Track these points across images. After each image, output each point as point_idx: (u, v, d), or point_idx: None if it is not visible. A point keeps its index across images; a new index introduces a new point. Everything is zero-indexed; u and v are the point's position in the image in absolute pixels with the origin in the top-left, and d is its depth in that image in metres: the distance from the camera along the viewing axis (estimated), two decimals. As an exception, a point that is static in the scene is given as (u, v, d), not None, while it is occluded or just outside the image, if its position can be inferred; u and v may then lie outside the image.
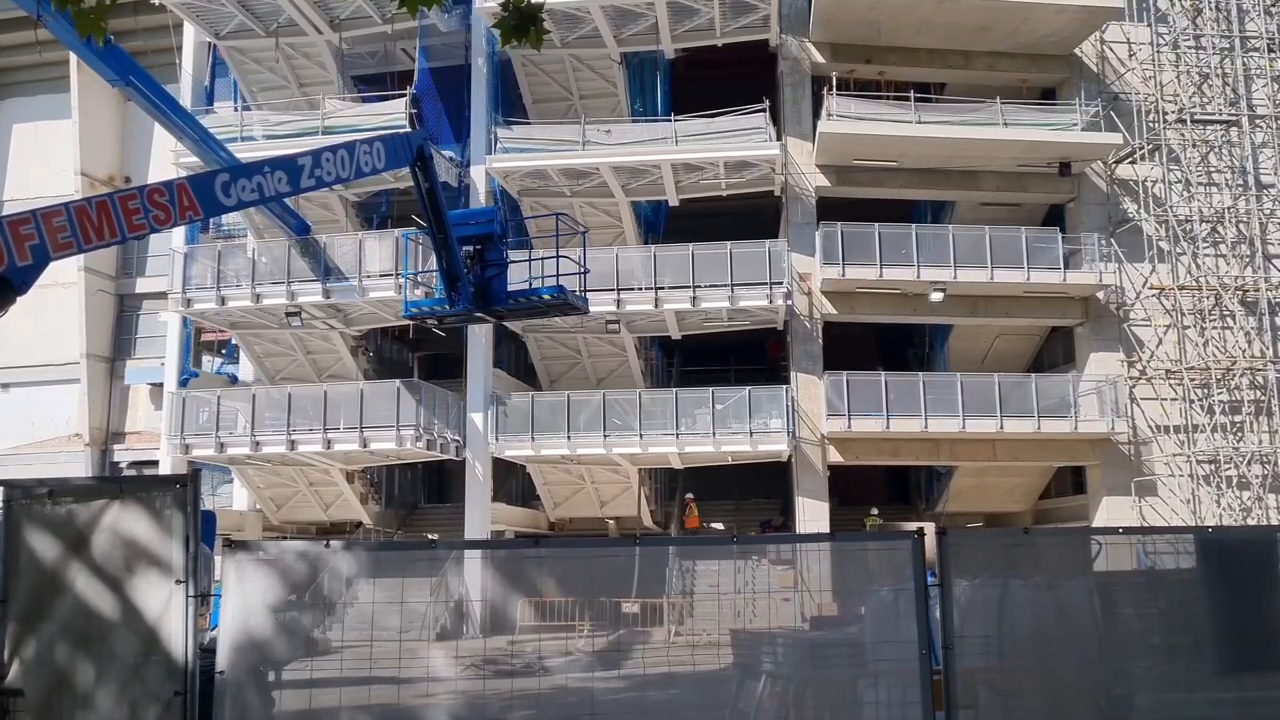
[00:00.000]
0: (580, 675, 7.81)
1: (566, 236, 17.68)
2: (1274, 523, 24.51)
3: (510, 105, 26.87)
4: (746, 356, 31.10)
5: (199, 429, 24.53)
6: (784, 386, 25.15)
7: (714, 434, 24.44)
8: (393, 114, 24.20)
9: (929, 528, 6.32)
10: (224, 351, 30.06)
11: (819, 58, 26.32)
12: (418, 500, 31.51)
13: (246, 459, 25.17)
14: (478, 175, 25.66)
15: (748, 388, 24.99)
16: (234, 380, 28.78)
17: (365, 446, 23.89)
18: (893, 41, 26.03)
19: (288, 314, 23.97)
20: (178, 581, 5.95)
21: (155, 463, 26.77)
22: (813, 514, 24.85)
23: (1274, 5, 27.07)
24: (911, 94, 25.47)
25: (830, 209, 26.08)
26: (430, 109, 25.66)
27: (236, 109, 27.63)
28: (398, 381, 24.61)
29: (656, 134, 25.22)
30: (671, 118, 25.31)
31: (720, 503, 30.04)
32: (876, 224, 25.17)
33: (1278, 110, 26.77)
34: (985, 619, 6.36)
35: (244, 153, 19.56)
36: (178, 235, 25.88)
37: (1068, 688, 6.55)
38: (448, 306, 14.85)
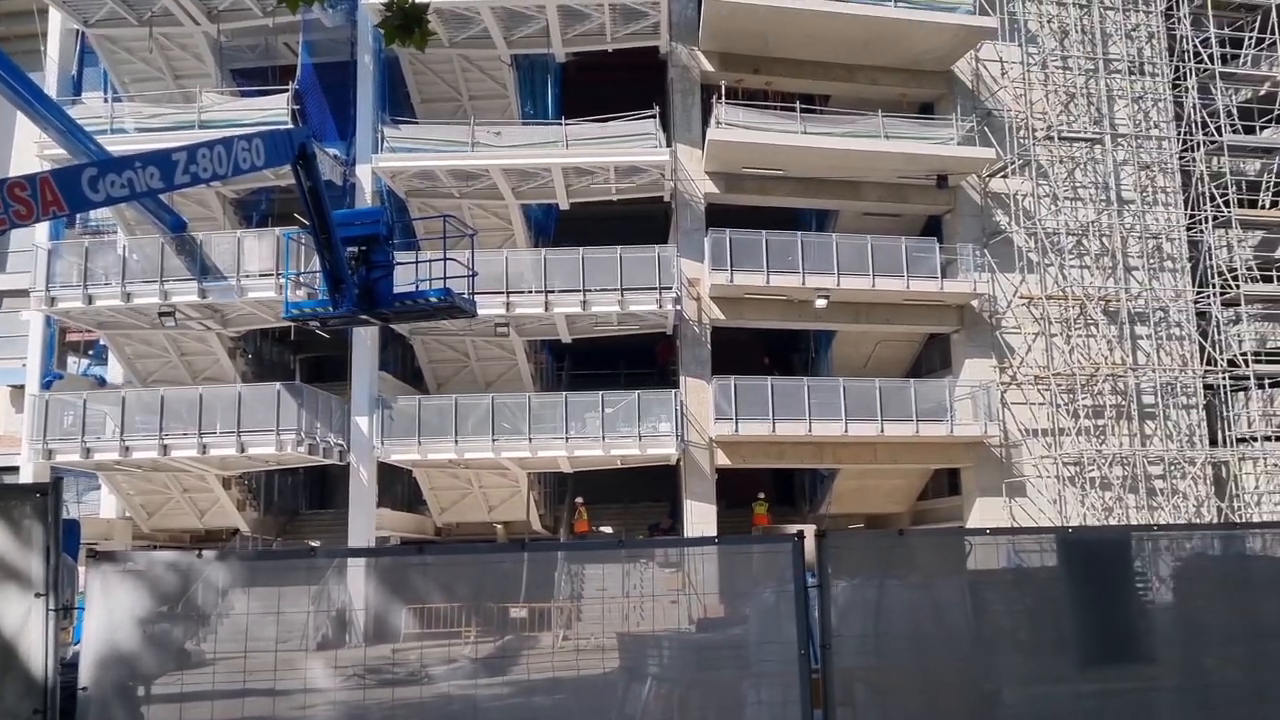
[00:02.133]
0: (464, 682, 7.74)
1: (456, 238, 17.45)
2: (1133, 521, 25.82)
3: (398, 104, 26.44)
4: (636, 360, 31.22)
5: (63, 433, 23.40)
6: (673, 390, 25.37)
7: (603, 438, 24.48)
8: (274, 110, 23.54)
9: (809, 530, 6.45)
10: (91, 353, 28.74)
11: (708, 66, 26.68)
12: (299, 506, 30.66)
13: (115, 465, 24.12)
14: (364, 174, 25.17)
15: (637, 392, 25.11)
16: (102, 383, 27.54)
17: (243, 451, 23.15)
18: (780, 53, 26.54)
19: (161, 314, 23.08)
20: (37, 595, 5.66)
21: (15, 469, 25.38)
22: (700, 516, 25.14)
23: (1135, 30, 28.56)
24: (797, 105, 26.03)
25: (719, 215, 26.45)
26: (314, 105, 25.06)
27: (106, 100, 26.48)
28: (278, 384, 23.92)
29: (547, 137, 25.15)
30: (562, 121, 25.29)
31: (610, 506, 30.07)
32: (764, 231, 25.63)
33: (1138, 130, 28.24)
34: (863, 619, 6.52)
35: (115, 146, 18.74)
36: (41, 231, 24.64)
37: (941, 684, 6.76)
38: (331, 308, 14.49)
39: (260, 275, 22.69)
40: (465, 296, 15.84)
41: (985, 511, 26.23)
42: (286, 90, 23.99)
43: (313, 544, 27.96)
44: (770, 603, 6.83)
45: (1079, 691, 6.40)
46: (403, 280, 15.94)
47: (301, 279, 21.28)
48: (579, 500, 26.94)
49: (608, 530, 29.59)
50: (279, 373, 28.37)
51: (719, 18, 25.28)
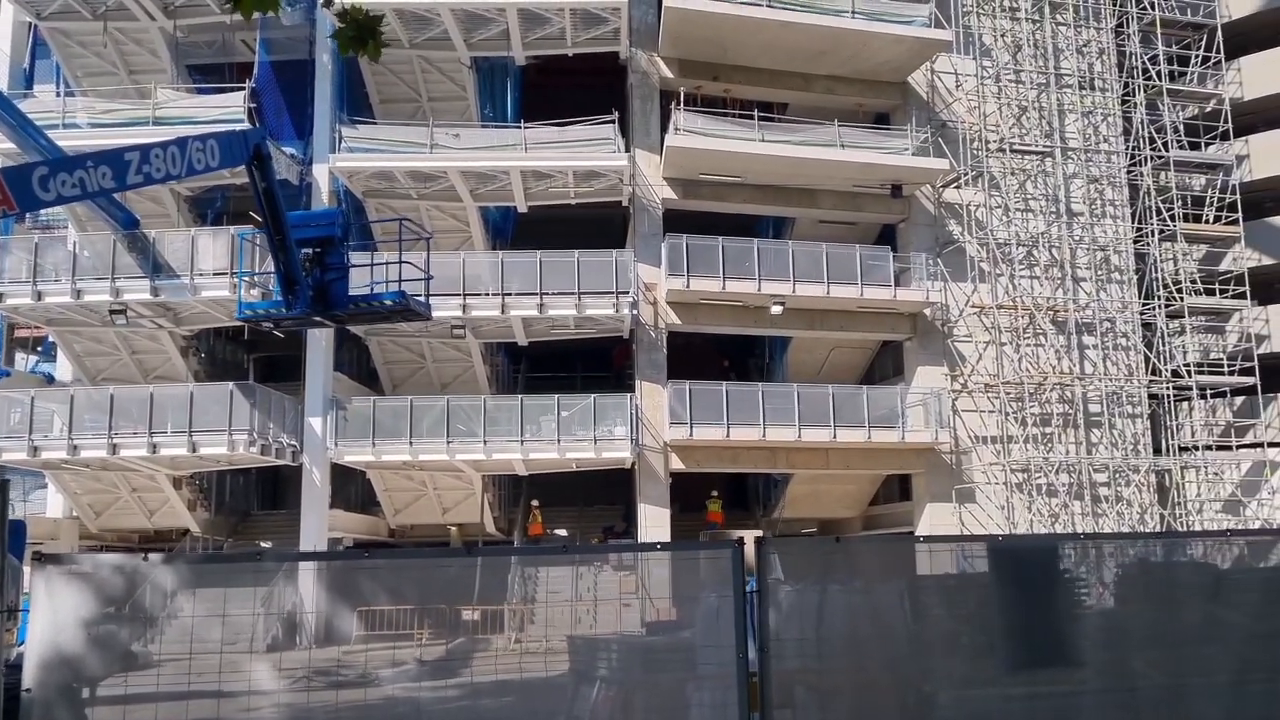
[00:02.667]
0: (412, 685, 7.78)
1: (412, 241, 17.48)
2: (1079, 528, 26.34)
3: (356, 104, 26.34)
4: (593, 364, 31.35)
5: (10, 431, 23.07)
6: (629, 394, 25.50)
7: (559, 441, 24.55)
8: (230, 107, 23.36)
9: (750, 535, 6.61)
10: (40, 349, 28.33)
11: (668, 72, 26.86)
12: (251, 507, 30.42)
13: (63, 463, 23.78)
14: (321, 174, 25.03)
15: (593, 395, 25.22)
16: (50, 380, 27.17)
17: (194, 451, 22.94)
18: (738, 61, 26.80)
19: (112, 311, 22.81)
20: (-20, 597, 5.66)
21: (-40, 467, 24.96)
22: (654, 520, 25.29)
23: (1085, 46, 29.16)
24: (755, 112, 26.31)
25: (676, 221, 26.63)
26: (271, 104, 24.91)
27: (59, 94, 26.14)
28: (231, 384, 23.73)
29: (506, 140, 25.20)
30: (521, 124, 25.35)
31: (564, 509, 30.15)
32: (720, 237, 25.83)
33: (1088, 144, 28.84)
34: (802, 622, 6.69)
35: (67, 141, 18.58)
36: (-11, 225, 24.27)
37: (877, 686, 6.95)
38: (285, 310, 14.46)
39: (214, 274, 22.50)
40: (420, 299, 15.86)
41: (935, 517, 26.64)
42: (243, 88, 23.82)
43: (264, 545, 27.81)
44: (714, 607, 6.98)
45: (1008, 694, 6.61)
46: (359, 282, 15.96)
47: (256, 279, 21.17)
48: (534, 503, 27.00)
49: (562, 533, 29.68)
50: (232, 372, 28.16)
51: (678, 24, 25.47)
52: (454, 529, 28.72)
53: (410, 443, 24.22)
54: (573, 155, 24.99)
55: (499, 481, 29.40)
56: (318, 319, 14.91)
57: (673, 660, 7.56)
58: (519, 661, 7.97)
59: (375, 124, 25.86)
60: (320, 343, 24.75)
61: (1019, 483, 26.69)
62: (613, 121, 24.98)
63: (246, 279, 20.95)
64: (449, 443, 24.25)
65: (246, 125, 21.56)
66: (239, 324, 22.31)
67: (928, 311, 27.37)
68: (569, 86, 27.87)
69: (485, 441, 24.35)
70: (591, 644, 8.04)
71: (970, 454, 27.21)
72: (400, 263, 15.65)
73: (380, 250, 21.91)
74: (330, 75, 25.47)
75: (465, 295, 24.22)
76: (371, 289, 15.70)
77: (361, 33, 5.89)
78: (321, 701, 7.20)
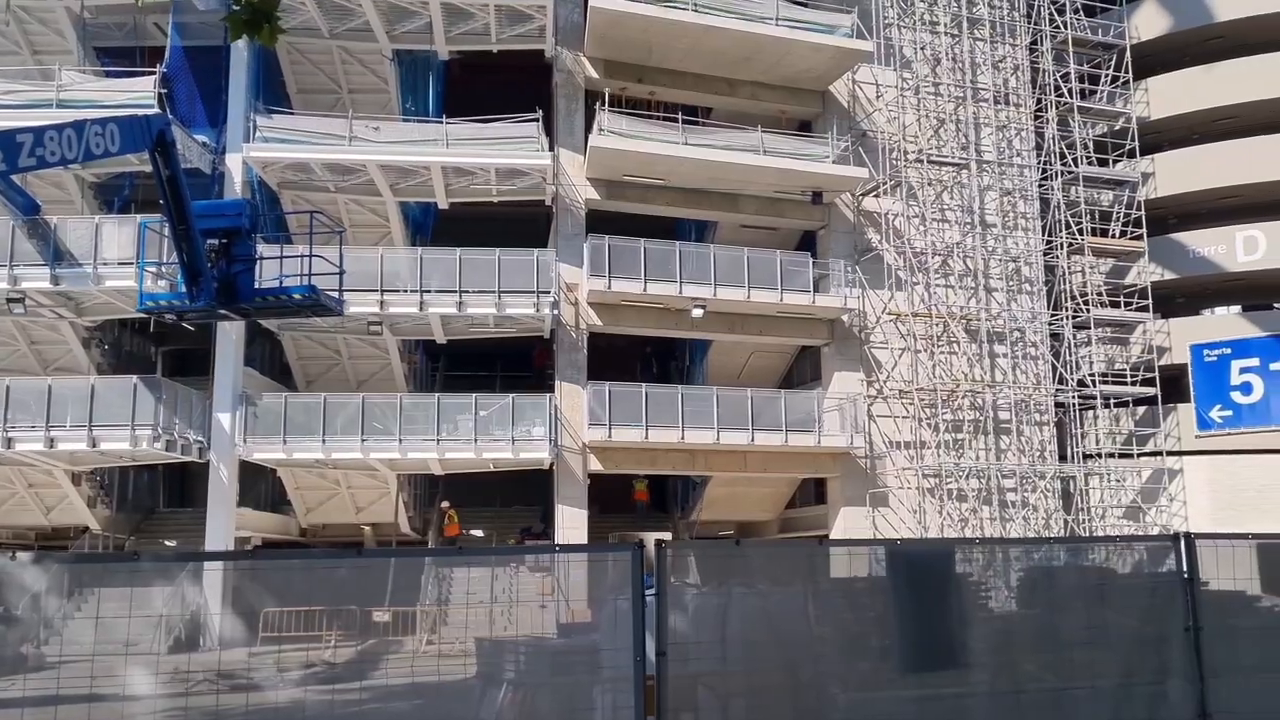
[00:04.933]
0: (322, 687, 7.65)
1: (325, 234, 17.11)
2: (987, 532, 26.93)
3: (273, 93, 25.71)
4: (513, 364, 31.14)
5: (-104, 423, 22.02)
6: (548, 395, 25.33)
7: (476, 441, 24.27)
8: (140, 92, 22.57)
9: (650, 538, 6.58)
10: (-69, 338, 27.07)
11: (593, 73, 26.79)
12: (155, 504, 29.50)
13: (-47, 458, 22.81)
14: (234, 164, 24.38)
15: (512, 395, 24.99)
16: (-58, 370, 25.97)
17: (95, 446, 22.14)
18: (663, 63, 26.86)
19: (9, 300, 21.90)
20: None
21: None
22: (572, 522, 25.18)
23: (1001, 62, 29.86)
24: (680, 116, 26.38)
25: (600, 222, 26.57)
26: (183, 90, 24.17)
27: (-44, 73, 25.02)
28: (134, 377, 22.97)
29: (427, 135, 24.84)
30: (444, 120, 25.01)
31: (481, 510, 29.88)
32: (643, 239, 25.85)
33: (1002, 157, 29.52)
34: (700, 625, 6.69)
35: (-38, 121, 17.77)
36: (-122, 207, 23.12)
37: (776, 688, 6.98)
38: (188, 302, 14.03)
39: (119, 263, 21.75)
40: (333, 294, 15.55)
41: (849, 521, 27.01)
42: (154, 73, 23.08)
43: (168, 544, 27.03)
44: (619, 609, 6.95)
45: (900, 696, 6.69)
46: (271, 275, 15.59)
47: (162, 270, 20.51)
48: (445, 504, 26.69)
49: (479, 534, 29.43)
50: (138, 365, 27.26)
51: (604, 25, 25.43)
52: (367, 529, 28.24)
53: (323, 441, 23.71)
54: (495, 153, 24.74)
55: (415, 481, 29.01)
56: (223, 312, 14.51)
57: (579, 663, 7.53)
58: (430, 664, 7.87)
59: (292, 114, 25.26)
60: (230, 337, 24.12)
61: (931, 487, 27.19)
62: (537, 120, 24.80)
63: (150, 269, 20.26)
64: (363, 441, 23.80)
65: (155, 110, 20.88)
66: (144, 316, 21.66)
67: (845, 318, 27.73)
68: (493, 83, 27.61)
69: (401, 440, 23.96)
70: (500, 647, 7.98)
71: (884, 459, 27.64)
72: (311, 256, 15.31)
73: (295, 243, 21.45)
74: (246, 63, 24.80)
75: (383, 291, 23.81)
76: (281, 282, 15.32)
77: (256, 16, 5.69)
78: (227, 705, 7.02)
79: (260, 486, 27.63)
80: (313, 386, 26.67)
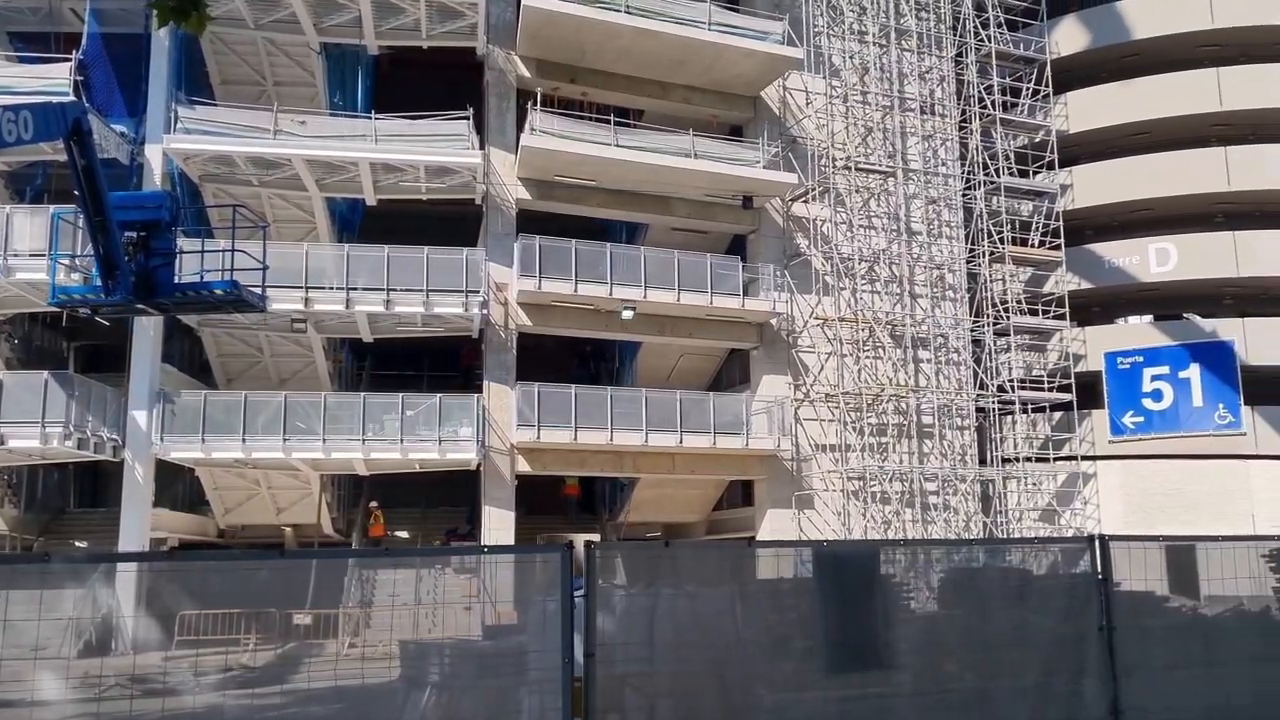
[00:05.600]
0: (239, 692, 7.48)
1: (248, 229, 16.74)
2: (909, 534, 27.41)
3: (195, 83, 25.09)
4: (441, 363, 30.85)
5: None
6: (476, 395, 25.13)
7: (402, 441, 23.98)
8: (55, 79, 21.83)
9: (579, 539, 6.56)
10: None
11: (525, 72, 26.65)
12: (65, 504, 28.60)
13: None
14: (154, 155, 23.72)
15: (439, 395, 24.74)
16: None
17: (3, 444, 21.36)
18: (596, 65, 26.83)
19: (-88, 292, 21.07)
20: None
21: None
22: (499, 523, 25.00)
23: (928, 73, 30.44)
24: (612, 117, 26.38)
25: (530, 222, 26.45)
26: (101, 78, 23.43)
27: None
28: (45, 373, 22.21)
29: (355, 130, 24.48)
30: (372, 115, 24.66)
31: (407, 511, 29.55)
32: (574, 240, 25.79)
33: (927, 166, 30.10)
34: (629, 626, 6.68)
35: None
36: None
37: (704, 689, 7.01)
38: (103, 296, 13.60)
39: (30, 255, 21.05)
40: (256, 290, 15.21)
41: (775, 522, 27.26)
42: (70, 59, 22.34)
43: (79, 544, 26.19)
44: (546, 610, 6.91)
45: (825, 696, 6.76)
46: (191, 270, 15.20)
47: (76, 262, 19.84)
48: (373, 504, 26.31)
49: (404, 535, 29.08)
50: (49, 360, 26.42)
51: (536, 24, 25.32)
52: (289, 530, 27.73)
53: (244, 440, 23.20)
54: (425, 150, 24.47)
55: (338, 481, 28.54)
56: (140, 306, 14.09)
57: (504, 665, 7.47)
58: (352, 667, 7.76)
59: (215, 106, 24.70)
60: (148, 332, 23.46)
61: (855, 490, 27.58)
62: (467, 118, 24.59)
63: (63, 262, 19.56)
64: (286, 440, 23.35)
65: (71, 98, 20.21)
66: (57, 310, 20.96)
67: (774, 321, 28.00)
68: (424, 80, 27.31)
69: (325, 440, 23.56)
70: (425, 649, 7.89)
71: (810, 461, 27.96)
72: (233, 250, 14.96)
73: (217, 238, 20.96)
74: (167, 52, 24.17)
75: (308, 288, 23.39)
76: (202, 277, 14.96)
77: (184, 3, 5.53)
78: (141, 710, 6.84)
79: (177, 486, 26.94)
80: (234, 384, 26.08)
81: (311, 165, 24.21)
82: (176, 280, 14.01)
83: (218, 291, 14.25)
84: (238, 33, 24.80)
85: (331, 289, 23.60)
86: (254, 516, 27.13)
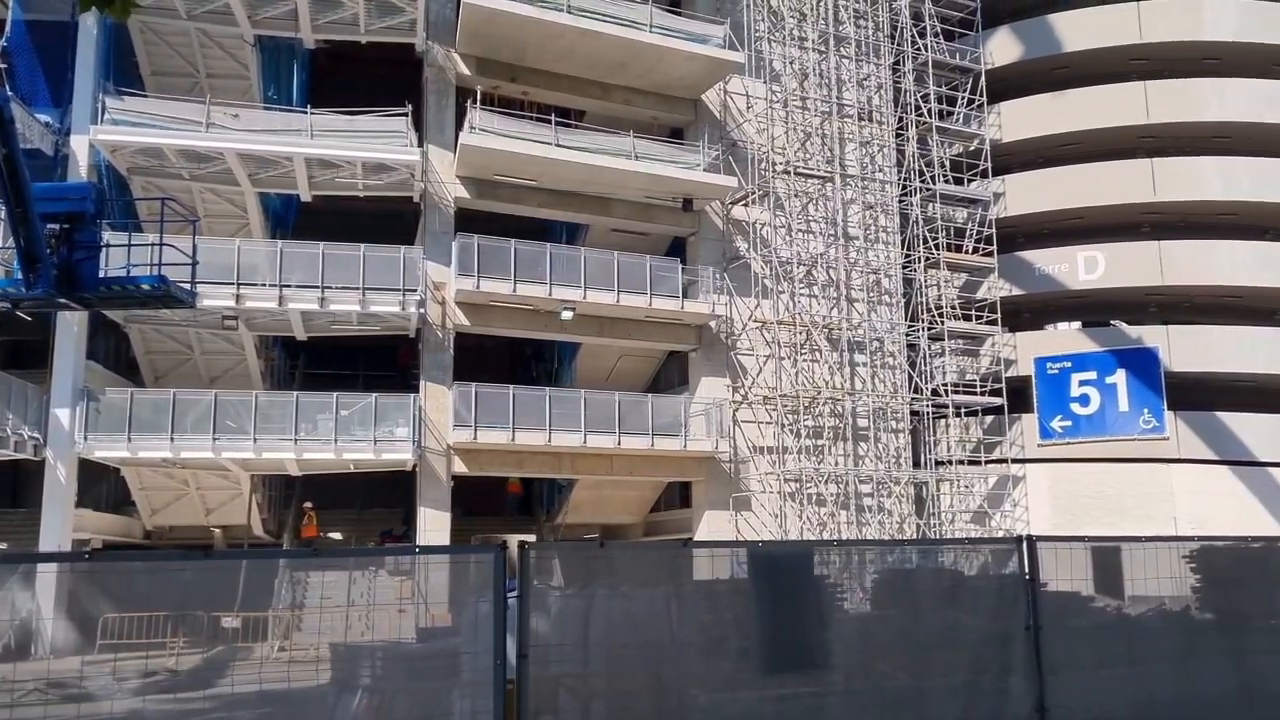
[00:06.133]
0: (163, 696, 7.30)
1: (178, 223, 16.35)
2: (844, 536, 27.69)
3: (125, 74, 24.46)
4: (376, 362, 30.47)
5: None
6: (412, 395, 24.85)
7: (336, 441, 23.63)
8: (-24, 65, 21.16)
9: (514, 540, 6.50)
10: None
11: (465, 70, 26.43)
12: (-17, 505, 27.68)
13: None
14: (79, 146, 23.09)
15: (375, 395, 24.41)
16: None
17: (-83, 442, 20.66)
18: (537, 64, 26.72)
19: None
20: None
21: None
22: (435, 524, 24.75)
23: (866, 80, 30.84)
24: (553, 117, 26.28)
25: (469, 220, 26.24)
26: (24, 65, 22.76)
27: None
28: (-37, 369, 21.51)
29: (291, 125, 24.05)
30: (308, 110, 24.26)
31: (341, 512, 29.14)
32: (513, 240, 25.65)
33: (864, 172, 30.48)
34: (564, 627, 6.63)
35: None
36: None
37: (639, 690, 6.98)
38: (24, 289, 13.18)
39: (-52, 247, 20.30)
40: (185, 285, 14.87)
41: (713, 524, 27.37)
42: (-8, 46, 21.65)
43: (-3, 547, 25.35)
44: (480, 612, 6.84)
45: (760, 696, 6.78)
46: (117, 264, 14.80)
47: (-3, 255, 19.22)
48: (307, 505, 25.88)
49: (337, 536, 28.67)
50: (-33, 357, 25.54)
51: (477, 22, 25.13)
52: (218, 531, 27.14)
53: (171, 439, 22.68)
54: (362, 146, 24.14)
55: (270, 482, 28.02)
56: (64, 301, 13.69)
57: (437, 667, 7.39)
58: (281, 670, 7.62)
59: (145, 97, 24.07)
60: (71, 328, 22.81)
61: (792, 492, 27.80)
62: (406, 115, 24.33)
63: (-17, 255, 18.97)
64: (216, 440, 22.85)
65: (-8, 86, 19.56)
66: (-25, 304, 20.26)
67: (713, 324, 28.12)
68: (362, 75, 26.99)
69: (256, 440, 23.11)
70: (356, 652, 7.77)
71: (748, 463, 28.13)
72: (161, 245, 14.60)
73: (145, 231, 20.43)
74: (95, 40, 23.53)
75: (239, 285, 22.95)
76: (129, 272, 14.56)
77: (108, -12, 5.36)
78: (58, 715, 6.63)
79: (102, 486, 26.22)
80: (161, 382, 25.47)
81: (244, 159, 23.74)
82: (101, 274, 13.63)
83: (145, 286, 13.90)
84: (169, 23, 24.24)
85: (264, 286, 23.17)
86: (182, 517, 26.53)
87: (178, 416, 22.81)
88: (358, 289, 23.71)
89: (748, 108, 29.32)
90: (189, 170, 24.19)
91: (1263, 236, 31.93)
